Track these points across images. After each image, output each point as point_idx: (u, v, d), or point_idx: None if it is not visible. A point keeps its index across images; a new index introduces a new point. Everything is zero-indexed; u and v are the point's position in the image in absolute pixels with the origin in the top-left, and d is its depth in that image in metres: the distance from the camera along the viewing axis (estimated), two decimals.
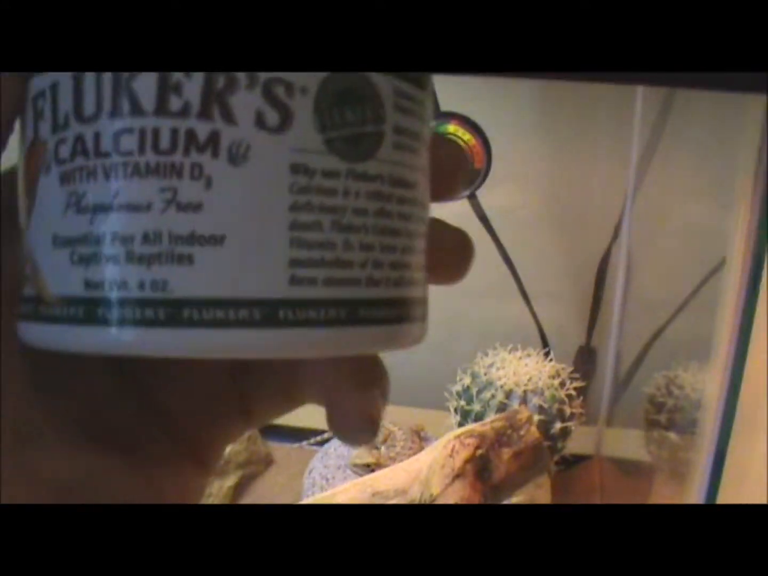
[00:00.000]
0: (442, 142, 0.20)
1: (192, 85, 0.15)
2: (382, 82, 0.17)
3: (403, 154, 0.18)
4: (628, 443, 0.77)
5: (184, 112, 0.15)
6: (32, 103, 0.17)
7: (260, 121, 0.16)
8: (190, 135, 0.15)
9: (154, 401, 0.21)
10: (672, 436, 0.60)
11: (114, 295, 0.16)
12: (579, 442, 0.78)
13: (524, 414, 0.62)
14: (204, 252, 0.15)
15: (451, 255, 0.20)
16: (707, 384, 0.46)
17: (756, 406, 0.38)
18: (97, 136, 0.16)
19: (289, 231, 0.16)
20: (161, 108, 0.15)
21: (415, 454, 0.66)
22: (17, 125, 0.18)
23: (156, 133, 0.16)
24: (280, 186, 0.16)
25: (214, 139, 0.16)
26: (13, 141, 0.18)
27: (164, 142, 0.16)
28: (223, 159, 0.16)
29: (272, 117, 0.16)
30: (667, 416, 0.61)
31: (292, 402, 0.22)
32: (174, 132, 0.15)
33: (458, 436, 0.59)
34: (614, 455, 0.83)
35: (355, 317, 0.17)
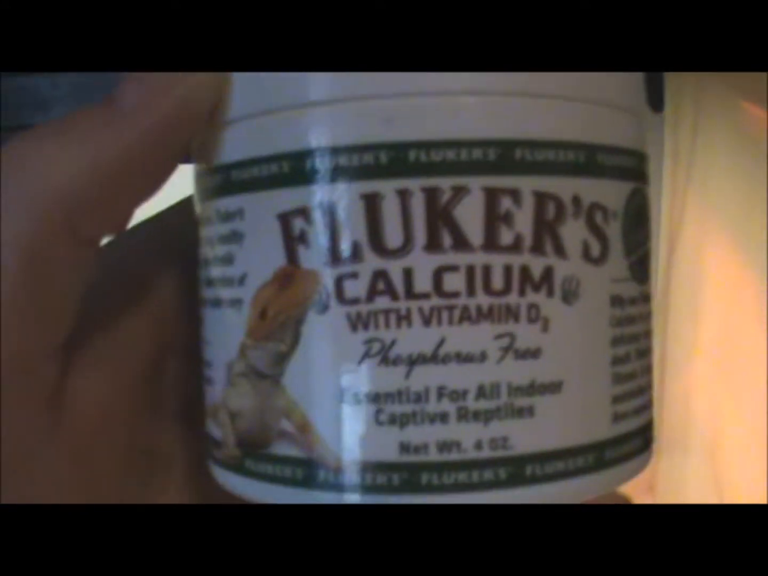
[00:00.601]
0: None
1: (523, 214, 0.14)
2: (648, 194, 0.17)
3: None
4: None
5: (516, 246, 0.14)
6: (281, 221, 0.14)
7: (586, 253, 0.15)
8: (525, 272, 0.14)
9: None
10: None
11: (445, 458, 0.14)
12: None
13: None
14: (544, 401, 0.14)
15: None
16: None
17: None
18: (408, 274, 0.14)
19: (611, 367, 0.15)
20: (491, 242, 0.14)
21: None
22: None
23: (487, 271, 0.14)
24: (604, 321, 0.15)
25: (548, 275, 0.14)
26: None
27: (497, 281, 0.14)
28: (558, 297, 0.14)
29: (595, 247, 0.15)
30: None
31: None
32: (507, 270, 0.14)
33: None
34: None
35: (647, 440, 0.16)
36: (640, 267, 0.16)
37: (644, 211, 0.16)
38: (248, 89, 0.15)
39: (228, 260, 0.15)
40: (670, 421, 0.59)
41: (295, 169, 0.14)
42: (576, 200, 0.14)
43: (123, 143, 0.14)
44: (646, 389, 0.17)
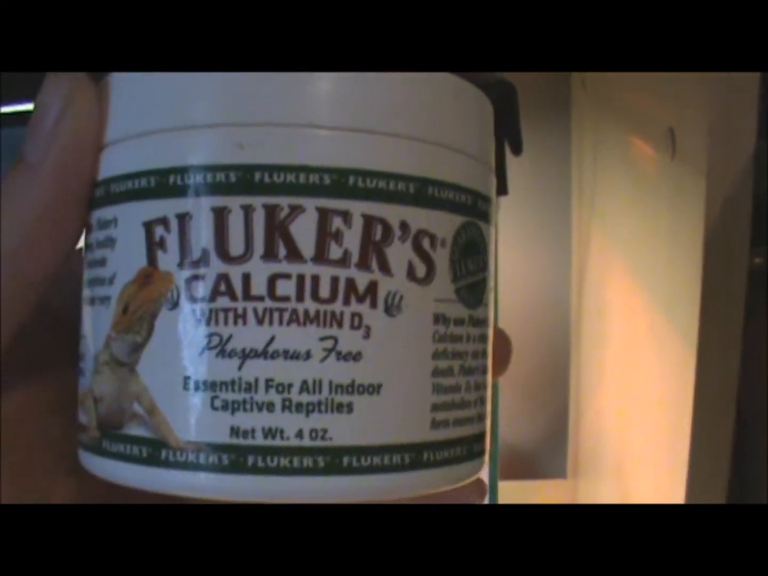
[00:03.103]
0: None
1: (352, 233, 0.15)
2: (489, 232, 0.18)
3: (491, 295, 0.19)
4: None
5: (344, 261, 0.16)
6: (146, 228, 0.16)
7: (411, 273, 0.16)
8: (350, 284, 0.16)
9: None
10: None
11: (269, 443, 0.15)
12: None
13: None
14: (362, 400, 0.16)
15: (498, 352, 0.21)
16: None
17: None
18: (246, 278, 0.15)
19: (432, 378, 0.17)
20: (320, 255, 0.15)
21: None
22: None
23: (316, 280, 0.15)
24: (426, 335, 0.17)
25: (372, 289, 0.16)
26: None
27: (324, 290, 0.15)
28: (381, 309, 0.16)
29: (420, 268, 0.16)
30: None
31: None
32: (334, 281, 0.15)
33: None
34: None
35: (472, 451, 0.18)
36: (470, 293, 0.18)
37: (477, 244, 0.18)
38: (125, 113, 0.17)
39: (102, 262, 0.17)
40: (585, 444, 0.61)
41: (160, 183, 0.16)
42: (404, 225, 0.16)
43: (39, 200, 0.17)
44: (473, 404, 0.18)
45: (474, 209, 0.18)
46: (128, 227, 0.16)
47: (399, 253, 0.16)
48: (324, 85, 0.16)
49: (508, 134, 0.29)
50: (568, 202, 0.65)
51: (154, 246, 0.16)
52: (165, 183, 0.16)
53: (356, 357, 0.16)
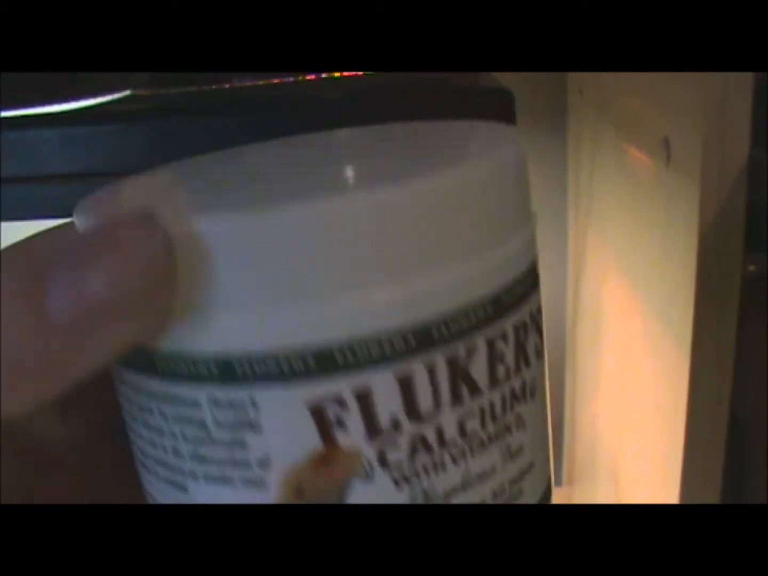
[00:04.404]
0: None
1: (509, 349, 0.16)
2: None
3: None
4: None
5: (507, 376, 0.16)
6: (311, 412, 0.14)
7: (538, 353, 0.17)
8: (513, 393, 0.16)
9: None
10: None
11: None
12: None
13: None
14: (526, 482, 0.17)
15: None
16: None
17: None
18: (439, 430, 0.15)
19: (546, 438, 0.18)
20: (494, 382, 0.16)
21: None
22: None
23: (492, 406, 0.16)
24: (545, 402, 0.18)
25: (524, 387, 0.17)
26: None
27: (498, 410, 0.16)
28: (528, 398, 0.17)
29: (539, 344, 0.17)
30: None
31: None
32: (503, 397, 0.16)
33: None
34: None
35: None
36: None
37: None
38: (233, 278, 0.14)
39: (238, 445, 0.15)
40: (581, 450, 0.61)
41: (321, 361, 0.14)
42: (532, 315, 0.17)
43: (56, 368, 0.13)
44: None
45: None
46: (283, 411, 0.14)
47: (532, 341, 0.17)
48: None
49: None
50: (565, 209, 0.65)
51: (328, 427, 0.14)
52: (330, 358, 0.14)
53: (520, 451, 0.17)
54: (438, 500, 0.15)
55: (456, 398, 0.15)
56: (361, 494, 0.15)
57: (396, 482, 0.15)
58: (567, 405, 0.65)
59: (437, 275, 0.15)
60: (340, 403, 0.14)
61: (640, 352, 0.45)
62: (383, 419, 0.15)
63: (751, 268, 0.42)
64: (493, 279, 0.16)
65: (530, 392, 0.17)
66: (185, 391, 0.15)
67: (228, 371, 0.14)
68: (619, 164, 0.49)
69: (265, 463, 0.15)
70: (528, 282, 0.17)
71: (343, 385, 0.14)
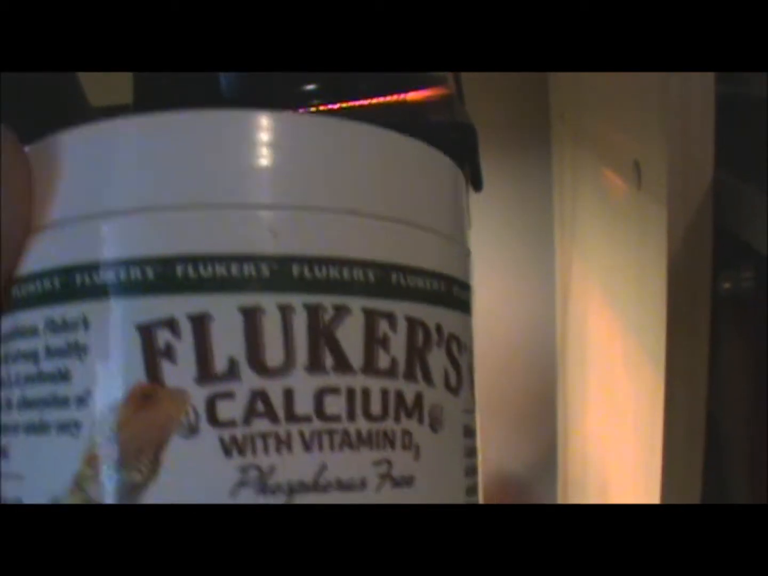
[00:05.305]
0: None
1: (397, 339, 0.13)
2: None
3: None
4: None
5: (392, 370, 0.13)
6: (141, 333, 0.12)
7: (447, 382, 0.14)
8: (400, 398, 0.13)
9: None
10: None
11: None
12: None
13: None
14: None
15: None
16: None
17: None
18: (289, 395, 0.12)
19: (466, 496, 0.15)
20: (370, 365, 0.13)
21: None
22: None
23: (366, 394, 0.13)
24: (461, 451, 0.15)
25: (418, 402, 0.14)
26: None
27: (375, 405, 0.13)
28: (426, 424, 0.14)
29: (453, 377, 0.14)
30: None
31: None
32: (384, 394, 0.13)
33: None
34: None
35: None
36: (475, 401, 0.16)
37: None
38: (81, 190, 0.14)
39: (61, 377, 0.13)
40: (573, 468, 0.62)
41: (162, 276, 0.13)
42: (439, 329, 0.14)
43: None
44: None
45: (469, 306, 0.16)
46: (111, 331, 0.13)
47: (437, 360, 0.14)
48: (364, 169, 0.14)
49: (470, 173, 0.30)
50: (551, 232, 0.66)
51: (155, 356, 0.12)
52: (170, 275, 0.12)
53: (409, 482, 0.13)
54: (278, 493, 0.12)
55: (314, 362, 0.13)
56: (179, 455, 0.12)
57: (225, 448, 0.12)
58: (559, 426, 0.65)
59: (311, 211, 0.13)
60: (173, 327, 0.12)
61: (621, 372, 0.46)
62: (219, 360, 0.12)
63: (726, 285, 0.43)
64: (383, 247, 0.14)
65: (431, 417, 0.14)
66: (26, 319, 0.14)
67: (68, 284, 0.13)
68: (597, 188, 0.50)
69: (83, 400, 0.13)
70: (442, 292, 0.14)
71: (179, 307, 0.12)
